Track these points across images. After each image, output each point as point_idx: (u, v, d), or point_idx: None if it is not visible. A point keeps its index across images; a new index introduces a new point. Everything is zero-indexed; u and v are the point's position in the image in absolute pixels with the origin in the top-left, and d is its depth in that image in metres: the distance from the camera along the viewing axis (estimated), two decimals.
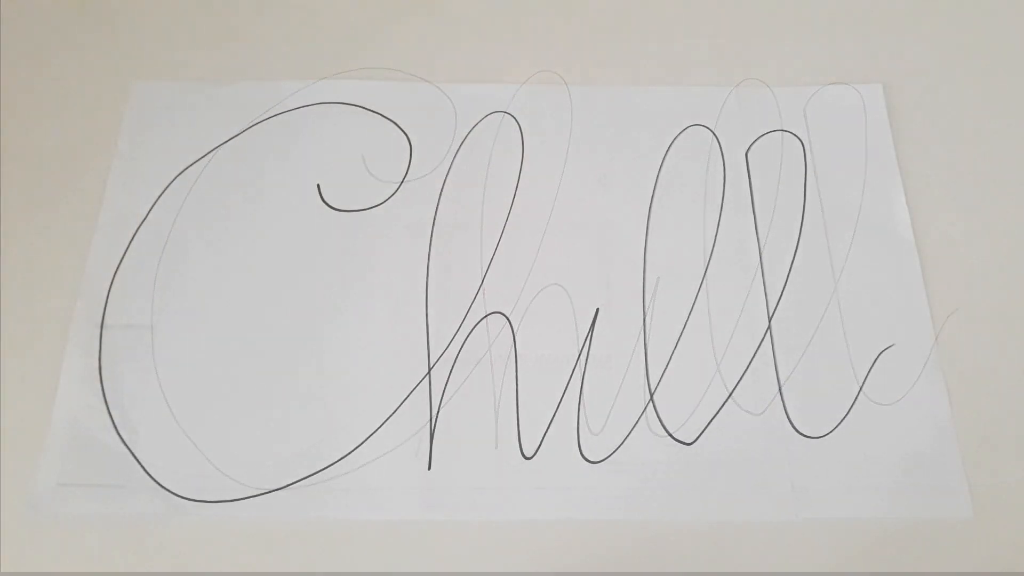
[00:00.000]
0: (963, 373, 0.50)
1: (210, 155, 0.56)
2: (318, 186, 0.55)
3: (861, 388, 0.50)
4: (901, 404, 0.49)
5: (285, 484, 0.46)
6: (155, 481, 0.46)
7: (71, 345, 0.50)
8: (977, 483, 0.47)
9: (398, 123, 0.57)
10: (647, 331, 0.51)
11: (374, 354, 0.50)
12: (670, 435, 0.49)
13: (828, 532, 0.46)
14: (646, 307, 0.52)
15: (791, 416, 0.49)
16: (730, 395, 0.50)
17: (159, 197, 0.54)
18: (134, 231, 0.53)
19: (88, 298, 0.51)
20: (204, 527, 0.46)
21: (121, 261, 0.52)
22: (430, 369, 0.50)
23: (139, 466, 0.47)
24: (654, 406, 0.49)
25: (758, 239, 0.54)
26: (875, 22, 0.63)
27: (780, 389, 0.50)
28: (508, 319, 0.51)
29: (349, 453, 0.47)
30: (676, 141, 0.57)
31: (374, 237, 0.54)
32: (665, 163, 0.57)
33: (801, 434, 0.49)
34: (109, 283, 0.52)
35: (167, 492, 0.46)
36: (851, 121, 0.58)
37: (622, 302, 0.52)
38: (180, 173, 0.55)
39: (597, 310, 0.52)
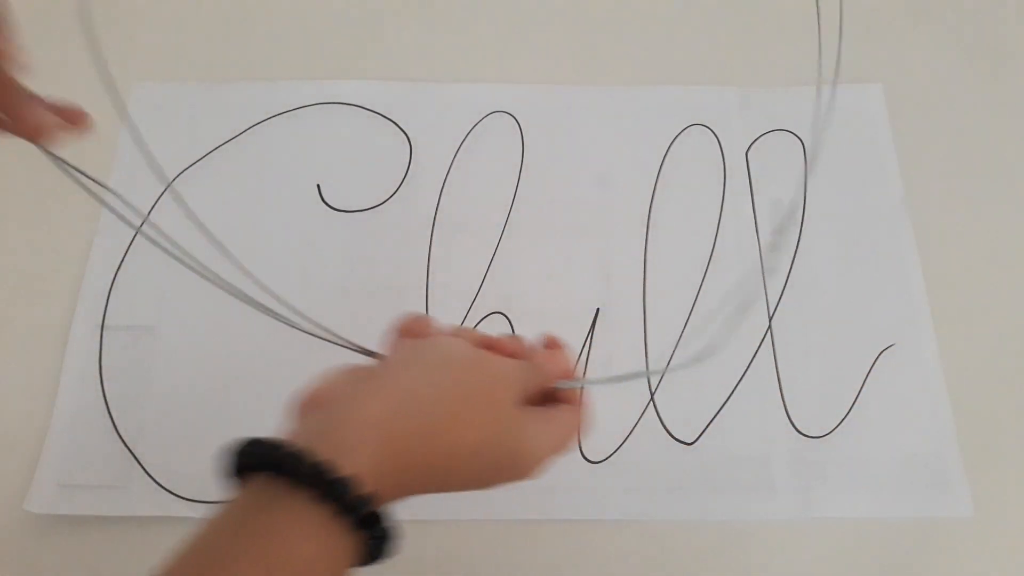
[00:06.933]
0: (963, 373, 0.50)
1: (210, 155, 0.56)
2: (318, 186, 0.55)
3: (861, 388, 0.50)
4: (901, 404, 0.49)
5: None
6: (155, 482, 0.46)
7: (71, 345, 0.50)
8: (977, 482, 0.47)
9: (398, 123, 0.57)
10: (647, 331, 0.51)
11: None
12: (670, 435, 0.49)
13: (828, 532, 0.46)
14: (646, 307, 0.52)
15: (791, 416, 0.49)
16: (730, 395, 0.50)
17: (159, 197, 0.54)
18: (134, 231, 0.53)
19: (88, 299, 0.51)
20: None
21: (121, 261, 0.52)
22: None
23: (139, 467, 0.47)
24: (654, 406, 0.49)
25: (758, 239, 0.54)
26: (875, 21, 0.63)
27: (780, 389, 0.50)
28: (508, 319, 0.51)
29: None
30: (676, 141, 0.57)
31: (374, 237, 0.53)
32: (665, 163, 0.57)
33: (802, 434, 0.49)
34: (110, 284, 0.52)
35: (167, 493, 0.46)
36: (851, 121, 0.58)
37: (622, 302, 0.52)
38: (180, 173, 0.55)
39: (597, 310, 0.52)
